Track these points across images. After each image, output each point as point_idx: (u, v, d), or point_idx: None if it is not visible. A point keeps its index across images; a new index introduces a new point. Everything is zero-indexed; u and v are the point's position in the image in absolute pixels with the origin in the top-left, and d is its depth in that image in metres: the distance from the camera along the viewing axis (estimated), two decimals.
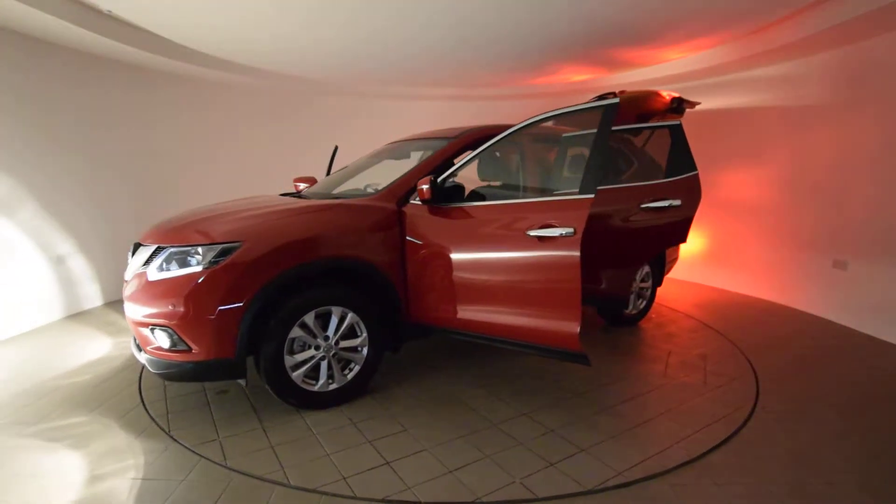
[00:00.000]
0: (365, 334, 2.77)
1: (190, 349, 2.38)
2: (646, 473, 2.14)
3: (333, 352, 2.69)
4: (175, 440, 2.40)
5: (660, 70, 5.33)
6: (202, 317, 2.34)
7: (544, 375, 3.17)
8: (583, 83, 5.89)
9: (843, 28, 3.76)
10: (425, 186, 2.65)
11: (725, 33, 4.34)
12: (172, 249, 2.47)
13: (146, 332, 2.45)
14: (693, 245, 6.00)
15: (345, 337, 2.73)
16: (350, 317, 2.71)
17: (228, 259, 2.39)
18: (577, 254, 2.26)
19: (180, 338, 2.37)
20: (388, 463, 2.21)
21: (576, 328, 2.31)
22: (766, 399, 2.89)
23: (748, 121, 5.27)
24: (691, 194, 3.12)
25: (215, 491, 1.99)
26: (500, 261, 2.57)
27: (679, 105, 4.42)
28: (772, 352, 3.66)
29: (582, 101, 4.39)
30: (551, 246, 2.36)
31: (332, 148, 4.80)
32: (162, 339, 2.41)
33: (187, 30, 4.32)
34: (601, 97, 5.05)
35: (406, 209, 2.88)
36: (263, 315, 2.49)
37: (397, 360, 3.42)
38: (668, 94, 4.43)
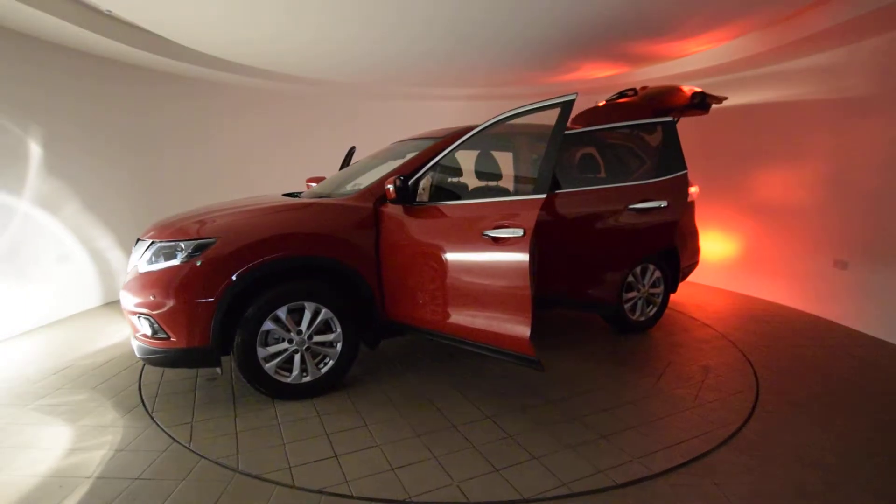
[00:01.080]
0: (339, 330, 2.85)
1: (168, 337, 2.57)
2: (592, 487, 2.05)
3: (306, 346, 2.79)
4: (153, 420, 2.59)
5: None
6: (178, 307, 2.52)
7: (524, 380, 3.11)
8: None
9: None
10: (391, 186, 2.68)
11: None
12: (160, 244, 2.67)
13: (134, 319, 2.67)
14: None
15: (319, 332, 2.82)
16: (324, 313, 2.79)
17: (203, 254, 2.55)
18: (526, 256, 2.20)
19: (160, 326, 2.56)
20: (335, 456, 2.27)
21: (527, 332, 2.25)
22: (766, 399, 2.85)
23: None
24: (678, 196, 2.93)
25: (215, 491, 2.00)
26: (459, 261, 2.56)
27: (702, 100, 4.16)
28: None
29: (604, 98, 4.25)
30: (504, 247, 2.31)
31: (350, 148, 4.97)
32: (145, 327, 2.62)
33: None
34: (621, 94, 4.88)
35: (383, 209, 2.93)
36: (237, 307, 2.63)
37: (381, 357, 3.48)
38: (688, 88, 4.18)
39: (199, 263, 2.54)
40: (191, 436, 2.44)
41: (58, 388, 2.98)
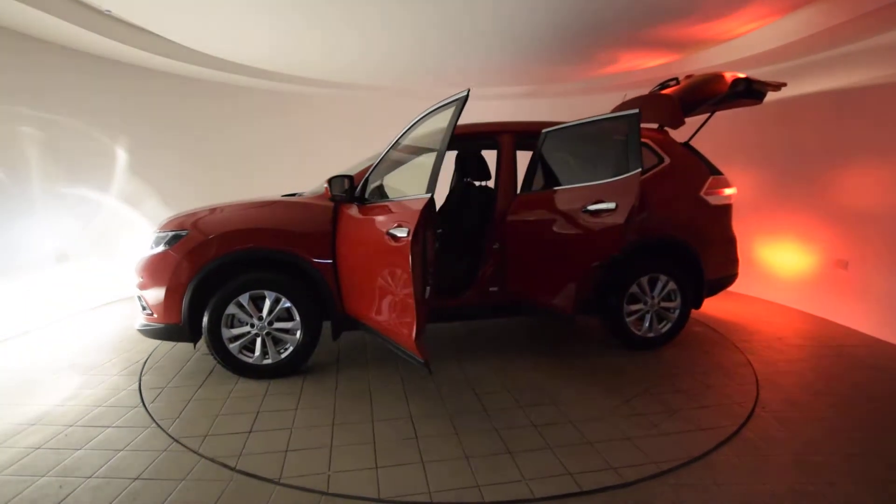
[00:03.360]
0: (297, 319, 3.06)
1: (152, 313, 3.01)
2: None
3: (266, 331, 3.06)
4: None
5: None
6: (155, 288, 2.95)
7: (481, 387, 3.02)
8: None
9: None
10: (326, 184, 2.81)
11: None
12: (155, 234, 3.14)
13: (136, 297, 3.18)
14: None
15: (281, 320, 3.07)
16: (283, 302, 3.03)
17: (176, 244, 2.95)
18: (408, 256, 2.17)
19: (146, 303, 3.02)
20: (249, 432, 2.48)
21: (412, 333, 2.22)
22: (767, 399, 2.84)
23: (868, 104, 3.95)
24: (626, 198, 2.58)
25: (215, 491, 2.01)
26: (373, 259, 2.60)
27: (748, 87, 3.64)
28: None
29: (646, 89, 3.94)
30: (396, 246, 2.30)
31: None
32: (139, 303, 3.10)
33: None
34: (663, 84, 4.48)
35: (343, 207, 3.07)
36: (206, 291, 2.98)
37: (362, 348, 3.63)
38: (730, 75, 3.69)
39: (173, 252, 2.94)
40: (155, 398, 2.84)
41: (58, 387, 2.99)
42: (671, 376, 3.17)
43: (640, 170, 2.55)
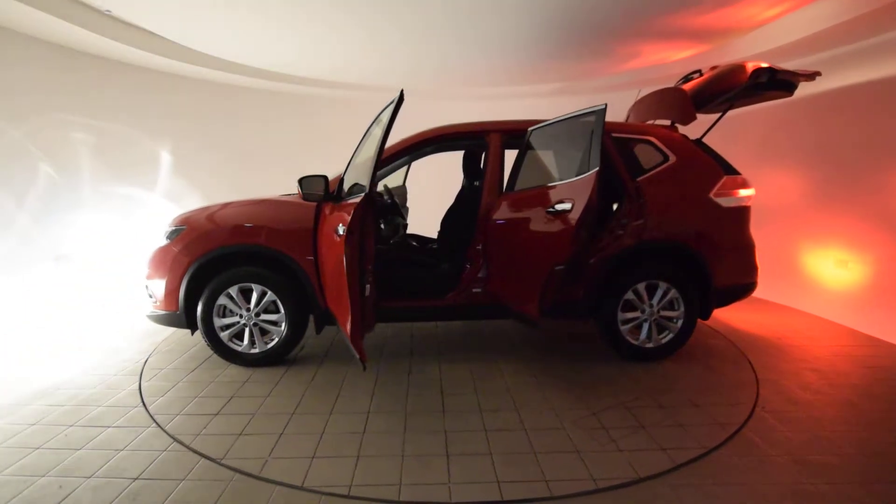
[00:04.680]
0: (282, 312, 3.23)
1: (156, 301, 3.31)
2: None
3: (254, 322, 3.25)
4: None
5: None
6: (157, 278, 3.23)
7: (451, 388, 3.01)
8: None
9: None
10: (298, 184, 2.92)
11: None
12: (166, 229, 3.44)
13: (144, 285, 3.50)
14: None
15: (267, 312, 3.25)
16: (269, 295, 3.21)
17: (175, 238, 3.22)
18: (347, 254, 2.22)
19: (151, 292, 3.32)
20: (215, 415, 2.66)
21: (351, 329, 2.26)
22: (767, 399, 2.84)
23: None
24: (580, 197, 2.42)
25: (215, 491, 2.01)
26: (329, 257, 2.69)
27: (772, 78, 3.36)
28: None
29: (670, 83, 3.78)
30: (339, 244, 2.36)
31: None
32: (146, 292, 3.42)
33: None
34: (686, 77, 4.25)
35: (324, 206, 3.18)
36: (201, 282, 3.22)
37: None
38: (752, 65, 3.42)
39: (172, 246, 3.21)
40: (151, 379, 3.12)
41: (58, 387, 2.99)
42: (659, 390, 2.97)
43: (597, 168, 2.41)
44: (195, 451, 2.30)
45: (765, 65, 3.36)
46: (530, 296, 2.71)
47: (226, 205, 3.41)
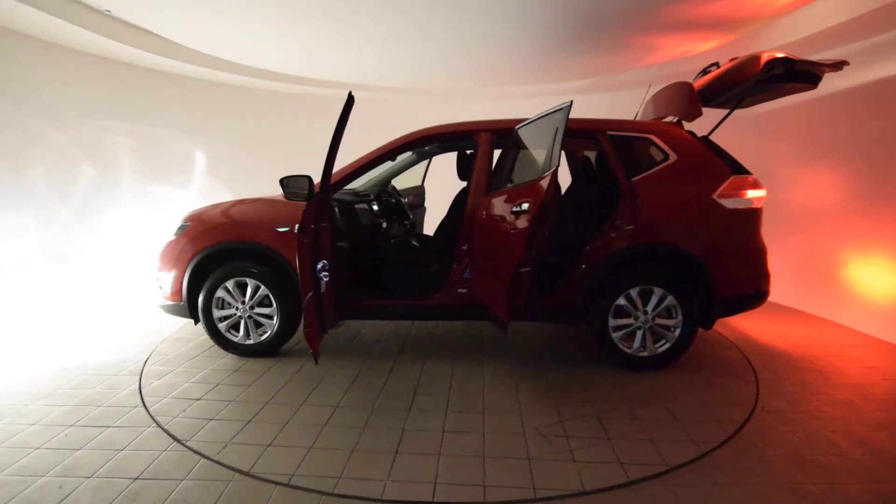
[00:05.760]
0: (275, 306, 3.38)
1: (164, 292, 3.57)
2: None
3: (248, 314, 3.42)
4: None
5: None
6: (165, 270, 3.49)
7: (426, 387, 3.02)
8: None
9: None
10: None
11: None
12: (179, 224, 3.70)
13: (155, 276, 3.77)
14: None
15: (262, 305, 3.41)
16: (262, 289, 3.37)
17: (181, 233, 3.45)
18: (298, 250, 2.28)
19: (160, 283, 3.59)
20: (196, 399, 2.83)
21: (308, 327, 2.33)
22: (766, 399, 2.84)
23: None
24: (536, 198, 2.31)
25: (215, 491, 2.02)
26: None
27: (789, 69, 3.14)
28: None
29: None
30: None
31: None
32: (157, 283, 3.69)
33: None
34: (704, 71, 4.07)
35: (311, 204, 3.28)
36: (201, 275, 3.43)
37: (351, 336, 3.84)
38: (768, 55, 3.22)
39: (177, 240, 3.45)
40: (154, 364, 3.37)
41: (58, 387, 2.98)
42: (641, 401, 2.82)
43: (554, 169, 2.32)
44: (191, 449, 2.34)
45: (780, 55, 3.10)
46: (499, 298, 2.66)
47: (230, 203, 3.62)
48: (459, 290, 3.34)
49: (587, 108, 5.41)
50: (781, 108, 4.44)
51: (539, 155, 2.68)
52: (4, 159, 4.38)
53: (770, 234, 3.31)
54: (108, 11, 4.33)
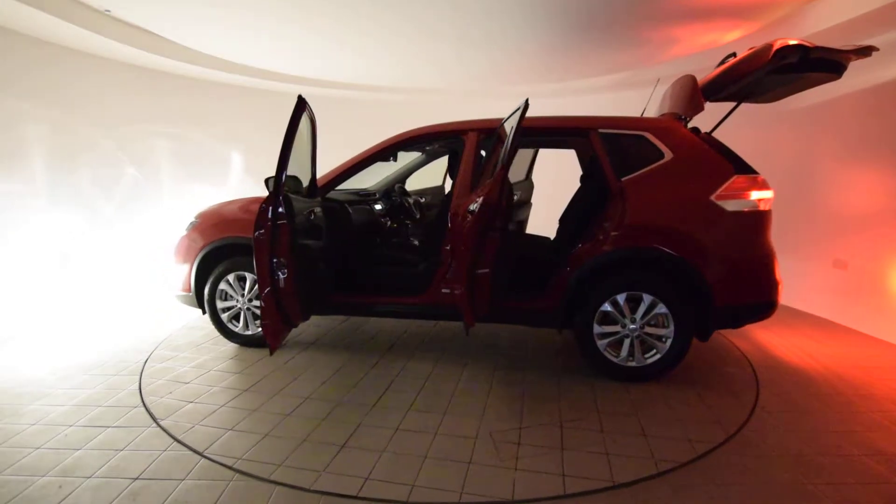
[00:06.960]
0: None
1: (176, 283, 3.86)
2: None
3: (247, 307, 3.63)
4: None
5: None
6: (177, 263, 3.78)
7: (401, 385, 3.05)
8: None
9: None
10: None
11: None
12: (190, 220, 3.99)
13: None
14: None
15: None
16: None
17: (191, 229, 3.73)
18: (254, 247, 2.39)
19: (173, 275, 3.89)
20: (187, 383, 3.04)
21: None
22: (766, 399, 2.85)
23: None
24: (484, 199, 2.23)
25: (216, 491, 2.02)
26: None
27: (804, 57, 2.91)
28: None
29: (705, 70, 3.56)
30: None
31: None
32: (171, 275, 4.00)
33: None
34: (722, 62, 3.89)
35: None
36: (207, 268, 3.67)
37: (349, 332, 3.96)
38: (780, 42, 3.01)
39: (188, 236, 3.73)
40: (160, 349, 3.66)
41: (58, 386, 2.97)
42: (614, 413, 2.68)
43: (501, 169, 2.25)
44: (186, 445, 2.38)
45: (793, 41, 2.83)
46: (461, 299, 2.63)
47: (242, 201, 3.85)
48: (443, 290, 3.33)
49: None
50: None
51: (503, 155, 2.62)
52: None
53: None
54: (108, 11, 4.48)
